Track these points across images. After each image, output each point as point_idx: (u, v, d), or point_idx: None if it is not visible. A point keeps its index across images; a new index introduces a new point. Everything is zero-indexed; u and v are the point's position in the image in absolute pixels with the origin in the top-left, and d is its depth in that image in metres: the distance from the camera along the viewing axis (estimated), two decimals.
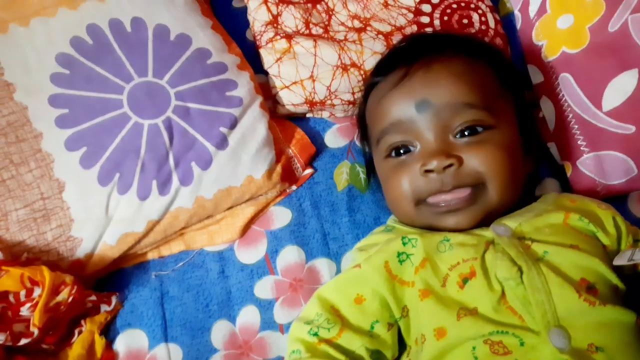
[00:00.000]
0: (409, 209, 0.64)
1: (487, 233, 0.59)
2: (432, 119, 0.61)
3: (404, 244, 0.61)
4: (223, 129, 0.74)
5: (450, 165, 0.60)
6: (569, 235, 0.57)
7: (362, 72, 0.79)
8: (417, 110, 0.62)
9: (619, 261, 0.56)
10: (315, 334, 0.57)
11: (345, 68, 0.79)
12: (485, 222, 0.61)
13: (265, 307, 0.72)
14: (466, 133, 0.61)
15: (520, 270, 0.53)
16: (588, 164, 0.72)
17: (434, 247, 0.59)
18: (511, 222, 0.60)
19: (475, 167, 0.60)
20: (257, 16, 0.84)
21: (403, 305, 0.59)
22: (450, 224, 0.61)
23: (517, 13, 0.84)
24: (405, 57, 0.66)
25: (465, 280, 0.54)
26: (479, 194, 0.61)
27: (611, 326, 0.49)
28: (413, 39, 0.76)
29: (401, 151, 0.64)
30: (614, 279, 0.54)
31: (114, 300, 0.71)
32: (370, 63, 0.78)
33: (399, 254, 0.60)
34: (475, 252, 0.56)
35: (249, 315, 0.71)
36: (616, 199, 0.74)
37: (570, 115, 0.73)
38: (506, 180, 0.61)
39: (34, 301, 0.64)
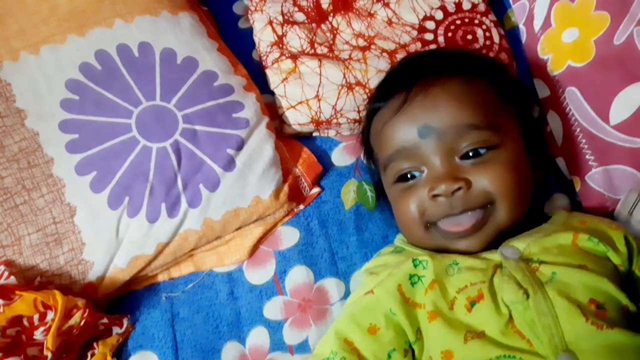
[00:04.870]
0: (419, 232, 0.64)
1: (496, 256, 0.59)
2: (436, 143, 0.61)
3: (415, 265, 0.60)
4: (230, 151, 0.74)
5: (459, 189, 0.59)
6: (577, 255, 0.57)
7: (367, 91, 0.79)
8: (420, 135, 0.62)
9: (621, 207, 0.56)
10: None
11: (350, 87, 0.79)
12: (495, 242, 0.60)
13: (275, 328, 0.72)
14: (471, 154, 0.61)
15: (526, 293, 0.53)
16: (597, 179, 0.72)
17: (443, 270, 0.59)
18: (519, 244, 0.59)
19: (484, 188, 0.60)
20: (263, 37, 0.84)
21: (417, 327, 0.58)
22: (462, 247, 0.61)
23: (521, 27, 0.83)
24: (404, 81, 0.66)
25: (472, 304, 0.54)
26: (489, 215, 0.60)
27: (619, 349, 0.49)
28: (410, 60, 0.75)
29: (408, 176, 0.64)
30: (624, 300, 0.53)
31: (125, 322, 0.72)
32: (374, 81, 0.78)
33: (410, 276, 0.60)
34: (484, 275, 0.56)
35: (258, 337, 0.71)
36: None
37: (578, 130, 0.73)
38: (515, 197, 0.60)
39: (47, 325, 0.65)
